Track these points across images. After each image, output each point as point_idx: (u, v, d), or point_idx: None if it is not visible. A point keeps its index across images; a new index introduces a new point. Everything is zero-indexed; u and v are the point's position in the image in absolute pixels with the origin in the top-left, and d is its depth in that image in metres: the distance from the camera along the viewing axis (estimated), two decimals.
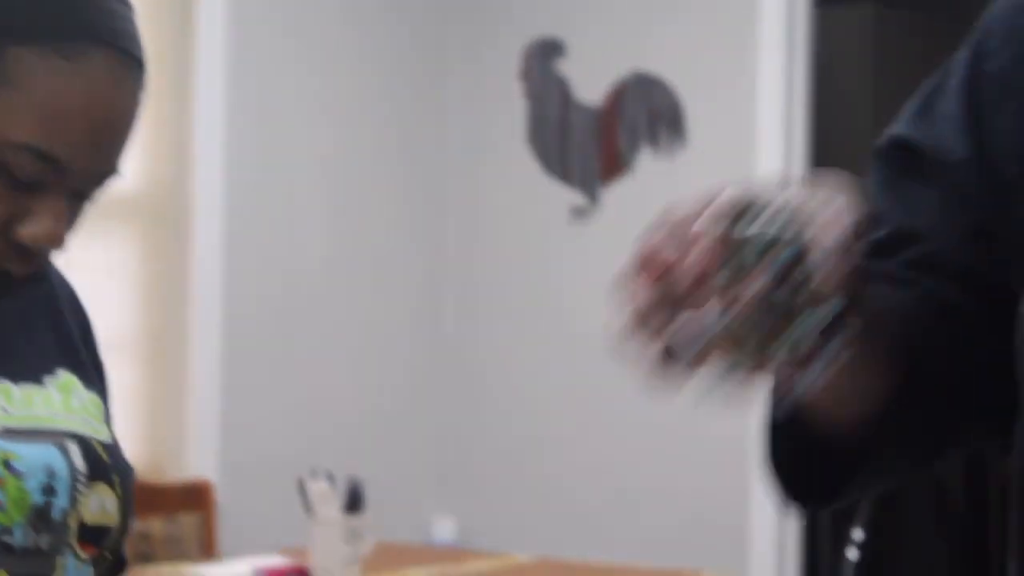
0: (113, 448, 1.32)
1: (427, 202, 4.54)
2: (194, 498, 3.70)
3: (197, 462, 3.90)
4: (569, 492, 4.20)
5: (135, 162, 3.55)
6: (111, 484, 1.28)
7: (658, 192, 3.92)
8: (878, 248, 1.02)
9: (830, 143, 4.32)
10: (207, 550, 3.68)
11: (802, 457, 0.96)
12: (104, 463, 1.29)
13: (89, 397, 1.33)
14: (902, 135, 1.08)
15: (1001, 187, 1.03)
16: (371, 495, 3.20)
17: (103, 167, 1.20)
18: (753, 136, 3.96)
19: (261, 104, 4.19)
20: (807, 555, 4.21)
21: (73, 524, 1.25)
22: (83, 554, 1.27)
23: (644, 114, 4.03)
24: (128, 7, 1.22)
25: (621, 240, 3.15)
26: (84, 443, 1.29)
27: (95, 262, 3.67)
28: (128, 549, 1.37)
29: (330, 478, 3.08)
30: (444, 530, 4.32)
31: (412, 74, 4.54)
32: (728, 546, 3.84)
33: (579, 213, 4.13)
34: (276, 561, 3.15)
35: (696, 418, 3.61)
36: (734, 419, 3.11)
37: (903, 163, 1.07)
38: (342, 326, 4.31)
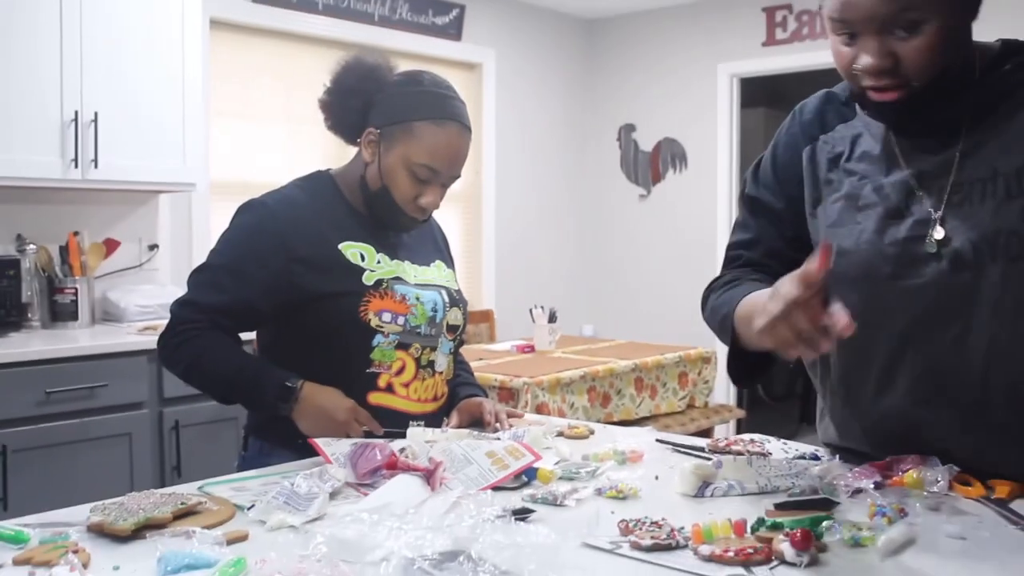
0: (459, 292, 2.12)
1: (584, 192, 7.11)
2: (486, 316, 5.99)
3: (488, 301, 6.36)
4: (647, 312, 6.80)
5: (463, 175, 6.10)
6: (459, 307, 2.11)
7: (677, 189, 6.72)
8: (747, 244, 1.65)
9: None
10: (491, 339, 5.80)
11: (743, 363, 1.51)
12: (456, 299, 2.10)
13: (449, 271, 2.17)
14: (749, 193, 1.67)
15: (800, 218, 1.59)
16: (560, 314, 5.76)
17: (454, 173, 1.97)
18: (716, 166, 6.51)
19: (513, 148, 6.46)
20: None
21: (444, 324, 2.06)
22: (448, 337, 2.09)
23: (670, 155, 6.75)
24: (460, 100, 1.97)
25: (664, 212, 6.56)
26: (448, 291, 2.07)
27: (449, 221, 6.08)
28: (466, 336, 2.16)
29: (542, 308, 4.95)
30: (588, 330, 7.00)
31: (574, 138, 7.03)
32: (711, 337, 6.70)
33: (643, 198, 6.90)
34: (522, 342, 4.93)
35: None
36: None
37: (751, 207, 1.66)
38: (544, 243, 6.75)
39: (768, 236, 1.66)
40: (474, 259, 6.48)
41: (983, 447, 1.51)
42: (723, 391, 6.38)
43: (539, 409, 4.09)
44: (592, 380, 4.39)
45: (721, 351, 6.17)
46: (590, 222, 7.19)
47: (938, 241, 1.47)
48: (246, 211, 2.00)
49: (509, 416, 2.15)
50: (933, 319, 1.49)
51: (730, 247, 1.74)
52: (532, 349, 4.92)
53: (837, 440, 1.68)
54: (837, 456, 1.62)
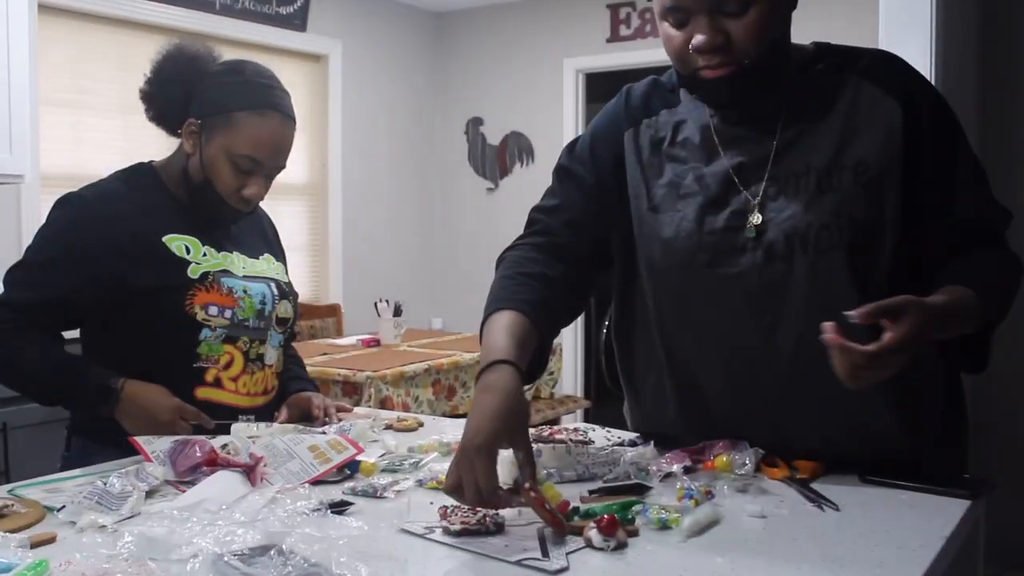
0: (289, 285, 2.14)
1: (430, 185, 7.33)
2: (332, 311, 6.05)
3: (334, 295, 6.55)
4: None
5: (300, 166, 6.36)
6: (289, 300, 2.11)
7: (524, 183, 6.89)
8: (549, 210, 1.66)
9: None
10: (338, 333, 5.90)
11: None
12: (285, 291, 2.11)
13: (278, 264, 2.17)
14: (562, 163, 1.69)
15: (606, 198, 1.62)
16: (405, 308, 5.72)
17: (279, 164, 1.98)
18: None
19: (360, 138, 6.65)
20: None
21: (273, 317, 2.06)
22: (278, 329, 2.09)
23: (517, 148, 7.01)
24: (283, 90, 1.97)
25: (511, 205, 6.74)
26: (277, 283, 2.09)
27: (288, 213, 6.19)
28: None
29: (387, 301, 5.15)
30: (437, 323, 7.29)
31: (420, 129, 7.19)
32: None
33: (491, 191, 7.14)
34: (366, 336, 5.17)
35: None
36: None
37: (560, 176, 1.69)
38: (393, 231, 6.94)
39: (572, 205, 1.67)
40: (320, 253, 6.54)
41: (788, 432, 1.56)
42: (571, 381, 6.58)
43: (383, 403, 4.14)
44: (436, 373, 4.46)
45: (567, 342, 6.28)
46: (438, 215, 7.32)
47: (755, 227, 1.51)
48: (63, 205, 1.97)
49: (339, 410, 2.15)
50: (746, 308, 1.53)
51: (533, 209, 1.74)
52: (378, 343, 5.02)
53: (645, 427, 1.73)
54: (652, 442, 1.64)
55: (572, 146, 1.74)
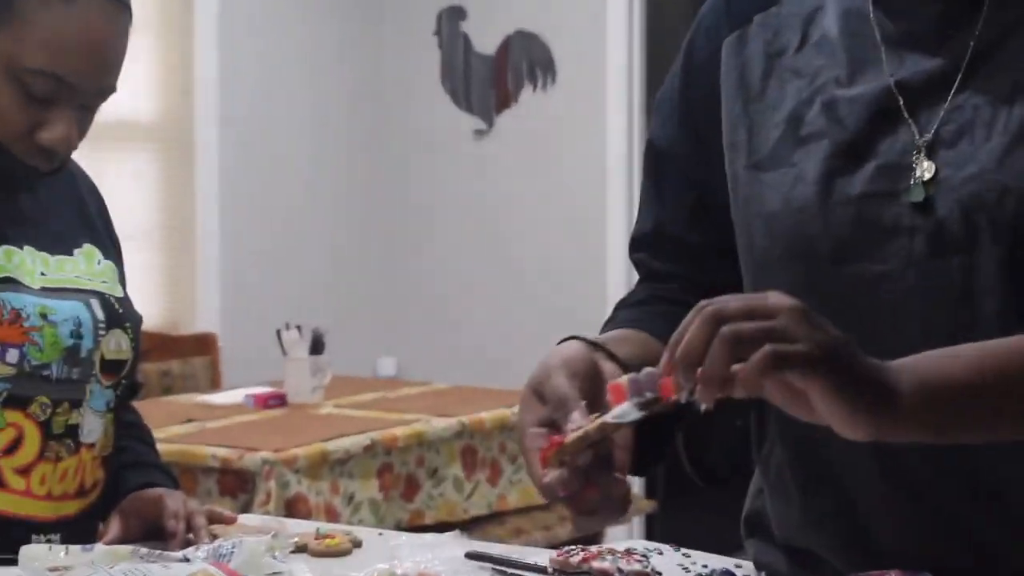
0: (125, 302, 2.17)
1: (375, 127, 7.37)
2: (204, 345, 6.06)
3: (206, 319, 6.45)
4: (480, 339, 7.06)
5: (152, 96, 6.32)
6: (124, 329, 2.17)
7: (539, 122, 6.96)
8: (650, 240, 1.86)
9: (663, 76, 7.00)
10: (214, 384, 5.89)
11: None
12: (118, 313, 2.15)
13: (107, 264, 2.20)
14: (654, 140, 1.86)
15: (712, 165, 1.77)
16: (333, 340, 5.40)
17: (101, 85, 2.04)
18: (605, 76, 6.75)
19: (250, 48, 6.70)
20: None
21: (97, 360, 2.11)
22: (105, 381, 2.15)
23: (526, 62, 6.97)
24: None
25: (517, 161, 6.98)
26: (103, 299, 2.14)
27: (125, 173, 6.15)
28: (144, 380, 2.37)
29: (299, 328, 5.17)
30: (387, 366, 7.26)
31: (357, 32, 7.24)
32: None
33: (480, 135, 7.14)
34: (262, 390, 5.14)
35: (571, 279, 6.66)
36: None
37: (656, 164, 1.85)
38: (309, 218, 7.11)
39: (679, 219, 1.82)
40: (182, 245, 6.70)
41: (996, 549, 1.62)
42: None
43: (290, 506, 4.20)
44: (386, 454, 4.54)
45: None
46: (390, 180, 7.49)
47: (923, 185, 1.58)
48: None
49: (211, 520, 2.19)
50: (899, 333, 1.59)
51: (631, 244, 1.91)
52: (282, 400, 5.16)
53: (780, 537, 1.80)
54: (763, 573, 1.73)
55: (663, 100, 1.87)
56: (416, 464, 4.66)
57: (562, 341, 1.60)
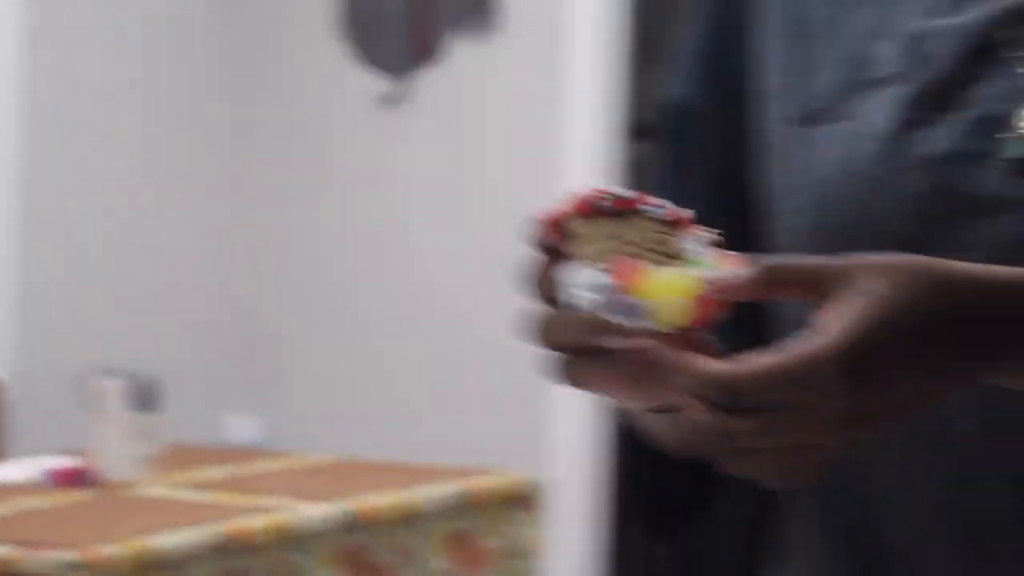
0: None
1: (232, 94, 7.53)
2: None
3: None
4: (376, 392, 7.20)
5: None
6: None
7: (470, 81, 7.07)
8: None
9: (649, 28, 6.90)
10: None
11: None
12: None
13: None
14: (675, 100, 1.94)
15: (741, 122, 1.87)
16: (168, 393, 5.43)
17: None
18: (567, 22, 6.85)
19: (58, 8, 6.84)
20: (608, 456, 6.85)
21: None
22: None
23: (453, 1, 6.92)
24: None
25: (430, 131, 7.21)
26: None
27: None
28: None
29: (122, 376, 5.20)
30: (243, 430, 7.28)
31: None
32: (528, 447, 6.74)
33: (390, 101, 7.15)
34: (65, 461, 5.19)
35: (500, 321, 6.16)
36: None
37: (672, 130, 1.95)
38: (137, 221, 7.13)
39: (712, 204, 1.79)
40: None
41: None
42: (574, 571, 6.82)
43: None
44: (236, 554, 4.58)
45: (562, 477, 6.60)
46: (255, 173, 7.72)
47: (1016, 168, 1.58)
48: None
49: None
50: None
51: None
52: (92, 477, 5.17)
53: None
54: None
55: (687, 50, 1.89)
56: (276, 569, 4.72)
57: None
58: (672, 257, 1.40)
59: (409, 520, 5.12)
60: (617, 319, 1.34)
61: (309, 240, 7.61)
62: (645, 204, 1.42)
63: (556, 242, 1.39)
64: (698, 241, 1.41)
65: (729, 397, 1.31)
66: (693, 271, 1.38)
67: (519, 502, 5.55)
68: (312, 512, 4.90)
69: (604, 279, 1.35)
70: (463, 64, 7.32)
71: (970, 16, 1.66)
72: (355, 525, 4.96)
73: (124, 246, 7.33)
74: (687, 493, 1.81)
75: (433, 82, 7.38)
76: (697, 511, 1.84)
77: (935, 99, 1.65)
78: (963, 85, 1.64)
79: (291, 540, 4.79)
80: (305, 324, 7.58)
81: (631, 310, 1.35)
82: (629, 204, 1.42)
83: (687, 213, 1.40)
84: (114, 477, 5.20)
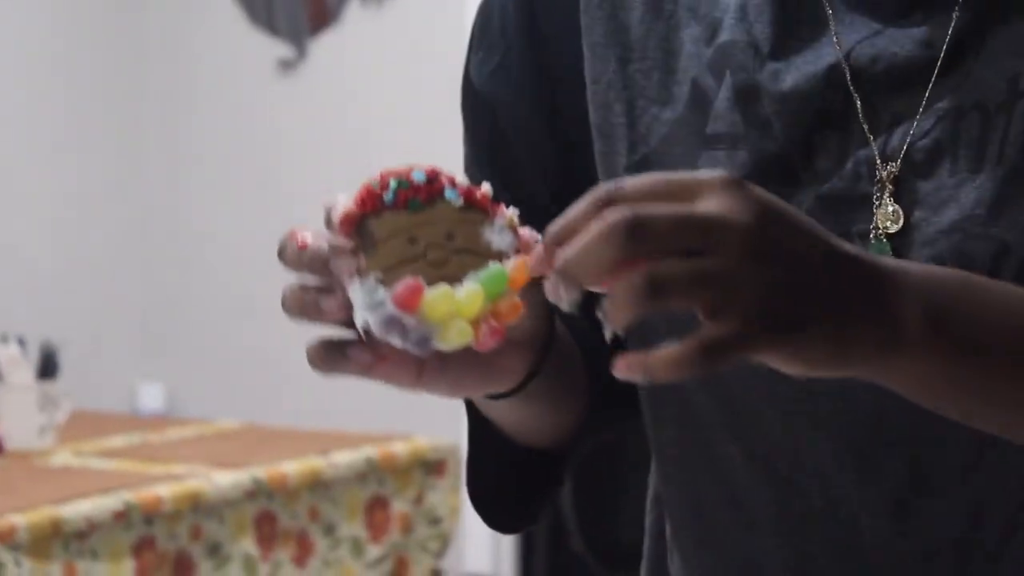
0: None
1: (126, 55, 7.62)
2: None
3: None
4: (283, 357, 6.68)
5: None
6: None
7: (369, 45, 7.14)
8: None
9: None
10: None
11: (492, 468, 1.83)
12: None
13: None
14: (477, 85, 1.87)
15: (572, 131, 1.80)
16: (71, 360, 5.68)
17: None
18: None
19: None
20: None
21: None
22: None
23: None
24: None
25: (330, 96, 7.25)
26: None
27: None
28: None
29: (22, 343, 5.26)
30: (150, 397, 7.33)
31: None
32: (440, 412, 6.44)
33: (288, 68, 7.26)
34: None
35: None
36: None
37: (475, 117, 1.90)
38: (38, 184, 7.20)
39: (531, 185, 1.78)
40: None
41: None
42: (485, 550, 7.00)
43: None
44: (147, 524, 4.56)
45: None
46: (154, 136, 7.76)
47: (888, 238, 1.56)
48: None
49: None
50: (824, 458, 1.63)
51: None
52: None
53: None
54: None
55: (480, 27, 1.83)
56: (190, 537, 4.70)
57: None
58: (474, 253, 1.39)
59: (321, 486, 5.13)
60: (394, 341, 1.34)
61: (208, 205, 7.65)
62: (442, 186, 1.41)
63: (350, 245, 1.38)
64: (501, 225, 1.40)
65: (611, 193, 1.23)
66: (485, 277, 1.37)
67: (432, 467, 5.56)
68: (221, 479, 4.88)
69: (383, 297, 1.35)
70: (360, 28, 7.36)
71: (807, 67, 1.61)
72: (266, 492, 4.96)
73: (24, 218, 7.34)
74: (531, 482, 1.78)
75: (329, 47, 7.43)
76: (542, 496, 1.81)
77: (775, 171, 1.61)
78: (806, 154, 1.61)
79: (200, 508, 4.77)
80: (208, 290, 7.64)
81: (407, 332, 1.35)
82: (425, 192, 1.41)
83: (484, 189, 1.40)
84: (18, 446, 5.19)
